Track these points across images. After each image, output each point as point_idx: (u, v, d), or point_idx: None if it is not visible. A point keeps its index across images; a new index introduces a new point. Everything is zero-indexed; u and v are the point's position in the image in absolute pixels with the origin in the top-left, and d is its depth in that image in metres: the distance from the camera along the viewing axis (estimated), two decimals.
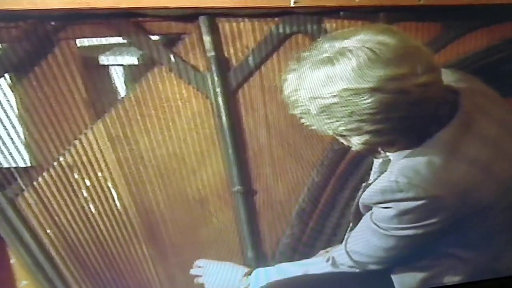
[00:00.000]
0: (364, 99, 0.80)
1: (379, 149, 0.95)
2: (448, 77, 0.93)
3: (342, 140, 0.94)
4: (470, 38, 1.29)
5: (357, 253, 1.01)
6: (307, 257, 1.31)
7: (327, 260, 1.07)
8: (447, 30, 1.26)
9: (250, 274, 1.19)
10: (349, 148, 1.23)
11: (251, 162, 1.26)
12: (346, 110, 0.83)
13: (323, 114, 0.86)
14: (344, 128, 0.86)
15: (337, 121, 0.85)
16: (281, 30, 1.16)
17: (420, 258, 1.02)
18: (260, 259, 1.34)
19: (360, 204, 1.00)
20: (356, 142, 0.88)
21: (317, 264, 1.11)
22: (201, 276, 1.26)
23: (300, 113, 0.90)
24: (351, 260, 1.02)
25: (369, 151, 0.95)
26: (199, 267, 1.27)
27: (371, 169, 1.30)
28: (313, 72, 0.84)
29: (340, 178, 1.32)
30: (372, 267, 1.01)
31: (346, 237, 1.06)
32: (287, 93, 0.90)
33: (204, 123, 1.20)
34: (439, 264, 1.01)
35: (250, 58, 1.17)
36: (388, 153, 0.95)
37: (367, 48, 0.80)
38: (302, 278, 1.11)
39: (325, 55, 0.84)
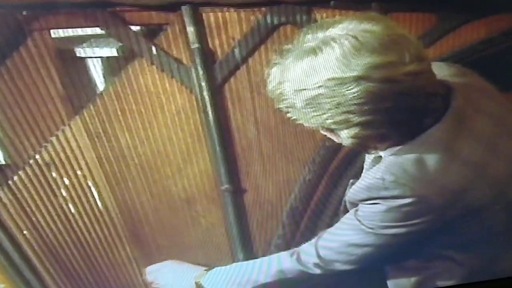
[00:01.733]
0: (350, 89, 0.78)
1: (371, 145, 0.91)
2: (443, 71, 0.92)
3: (331, 136, 0.92)
4: (466, 30, 1.26)
5: (326, 248, 0.99)
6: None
7: (292, 255, 1.06)
8: (442, 21, 1.23)
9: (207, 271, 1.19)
10: (341, 145, 1.22)
11: (239, 160, 1.24)
12: (333, 101, 0.81)
13: (308, 106, 0.84)
14: (331, 121, 0.84)
15: (324, 113, 0.84)
16: (269, 20, 1.12)
17: (404, 259, 1.01)
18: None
19: (346, 202, 0.99)
20: (345, 135, 0.86)
21: (279, 259, 1.09)
22: (154, 281, 1.25)
23: (286, 107, 0.89)
24: (316, 256, 1.00)
25: (360, 146, 0.91)
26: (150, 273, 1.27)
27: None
28: (297, 63, 0.83)
29: (332, 176, 1.30)
30: (337, 265, 0.98)
31: (319, 235, 1.04)
32: (271, 87, 0.89)
33: (189, 119, 1.17)
34: (433, 266, 0.99)
35: (237, 50, 1.14)
36: (379, 151, 0.93)
37: (351, 36, 0.79)
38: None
39: (308, 45, 0.83)
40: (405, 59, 0.79)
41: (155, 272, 1.25)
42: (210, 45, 1.12)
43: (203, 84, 1.14)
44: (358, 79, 0.78)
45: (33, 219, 1.14)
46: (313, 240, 1.03)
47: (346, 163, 1.31)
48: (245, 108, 1.20)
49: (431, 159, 0.84)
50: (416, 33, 1.20)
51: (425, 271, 1.00)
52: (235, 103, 1.19)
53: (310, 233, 1.34)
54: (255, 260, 1.14)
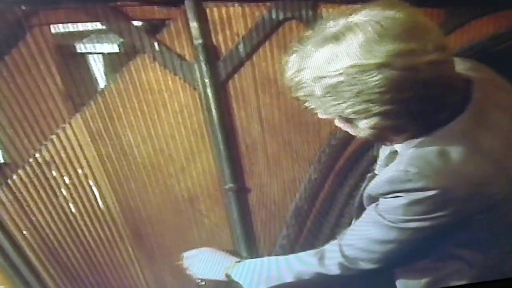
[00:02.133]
0: (372, 76, 0.78)
1: (388, 136, 0.91)
2: (458, 66, 0.90)
3: (347, 127, 0.91)
4: (475, 26, 1.25)
5: (351, 246, 0.99)
6: None
7: (316, 254, 1.06)
8: (451, 17, 1.22)
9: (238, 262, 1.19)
10: (348, 143, 1.23)
11: (243, 158, 1.23)
12: (353, 89, 0.80)
13: (328, 95, 0.83)
14: (351, 110, 0.83)
15: (344, 102, 0.82)
16: (273, 16, 1.11)
17: (420, 259, 1.00)
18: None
19: (365, 196, 0.97)
20: (364, 126, 0.85)
21: (304, 259, 1.08)
22: (189, 267, 1.26)
23: (304, 96, 0.88)
24: (340, 255, 0.99)
25: (377, 137, 0.90)
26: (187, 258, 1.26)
27: (372, 165, 1.26)
28: (317, 50, 0.82)
29: (338, 175, 1.29)
30: (362, 264, 0.97)
31: (342, 234, 1.03)
32: (289, 74, 0.88)
33: (193, 117, 1.16)
34: (444, 266, 0.99)
35: (241, 46, 1.13)
36: (395, 144, 0.92)
37: (375, 21, 0.78)
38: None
39: (329, 31, 0.82)
40: (428, 47, 0.78)
41: (191, 258, 1.26)
42: (214, 41, 1.11)
43: (207, 81, 1.13)
44: (380, 66, 0.77)
45: (33, 219, 1.13)
46: (336, 239, 1.03)
47: (353, 162, 1.29)
48: (250, 105, 1.19)
49: (454, 151, 0.84)
50: None
51: (435, 272, 1.00)
52: (239, 100, 1.18)
53: (315, 233, 1.33)
54: (286, 256, 1.13)
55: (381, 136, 0.89)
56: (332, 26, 0.82)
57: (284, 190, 1.28)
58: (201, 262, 1.23)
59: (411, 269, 1.03)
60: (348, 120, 0.87)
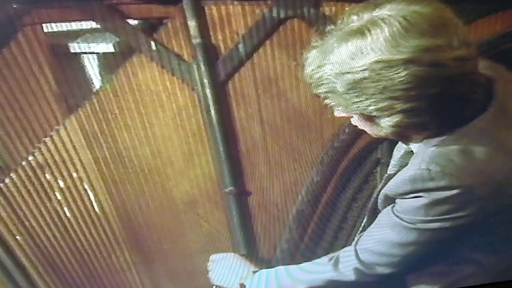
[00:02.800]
0: (398, 72, 0.77)
1: (409, 134, 0.90)
2: None
3: (367, 125, 0.90)
4: (482, 24, 1.23)
5: (367, 251, 0.97)
6: None
7: (330, 259, 1.04)
8: (458, 15, 1.17)
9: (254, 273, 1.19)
10: (351, 145, 1.23)
11: (243, 161, 1.22)
12: (378, 85, 0.79)
13: (351, 91, 0.82)
14: (374, 107, 0.82)
15: (367, 99, 0.82)
16: (274, 14, 1.09)
17: (436, 262, 0.99)
18: (256, 266, 1.27)
19: (380, 198, 0.96)
20: (386, 124, 0.85)
21: (318, 265, 1.07)
22: (210, 271, 1.27)
23: (325, 92, 0.87)
24: (357, 260, 0.98)
25: (398, 135, 0.89)
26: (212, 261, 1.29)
27: (375, 167, 1.27)
28: (341, 45, 0.81)
29: (341, 178, 1.27)
30: (380, 269, 0.96)
31: (358, 236, 1.02)
32: (309, 70, 0.87)
33: (191, 118, 1.15)
34: (459, 270, 0.98)
35: (241, 46, 1.10)
36: (411, 144, 0.92)
37: (401, 16, 0.77)
38: None
39: (354, 26, 0.81)
40: (454, 43, 0.78)
41: (215, 262, 1.27)
42: (213, 40, 1.09)
43: (206, 81, 1.11)
44: (406, 62, 0.76)
45: (26, 223, 1.12)
46: (352, 244, 1.01)
47: (356, 164, 1.28)
48: (250, 106, 1.17)
49: (477, 149, 0.83)
50: None
51: (450, 276, 0.99)
52: (240, 101, 1.16)
53: (318, 237, 1.32)
54: (299, 265, 1.12)
55: (402, 134, 0.88)
56: (356, 21, 0.81)
57: (285, 193, 1.26)
58: (222, 268, 1.24)
59: (425, 274, 1.02)
60: (370, 118, 0.87)
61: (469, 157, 0.83)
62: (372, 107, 0.83)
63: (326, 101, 0.89)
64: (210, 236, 1.27)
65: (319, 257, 1.24)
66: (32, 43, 0.99)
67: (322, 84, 0.86)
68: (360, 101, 0.83)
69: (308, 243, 1.31)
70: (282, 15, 1.09)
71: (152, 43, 1.06)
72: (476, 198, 0.83)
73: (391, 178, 0.92)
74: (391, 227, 0.92)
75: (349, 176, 1.28)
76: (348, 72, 0.81)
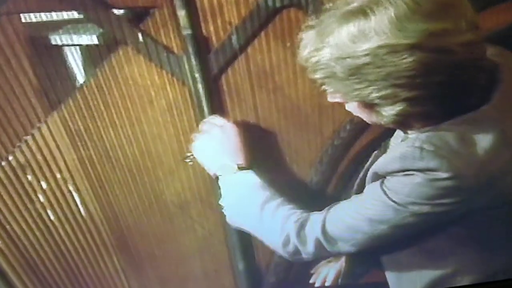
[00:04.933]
0: (403, 58, 0.75)
1: (410, 123, 0.88)
2: None
3: (366, 113, 0.88)
4: (492, 13, 1.16)
5: (336, 221, 0.94)
6: (306, 267, 1.29)
7: (296, 221, 0.97)
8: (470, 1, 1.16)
9: (243, 169, 1.06)
10: (352, 142, 1.19)
11: None
12: (381, 72, 0.77)
13: (352, 77, 0.80)
14: (377, 94, 0.80)
15: (369, 85, 0.80)
16: (270, 3, 1.04)
17: (403, 250, 0.98)
18: (252, 271, 1.29)
19: (369, 176, 0.94)
20: (388, 113, 0.83)
21: (284, 217, 0.99)
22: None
23: (323, 78, 0.84)
24: (321, 230, 0.93)
25: (399, 124, 0.88)
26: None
27: None
28: (341, 26, 0.78)
29: (342, 177, 1.23)
30: (341, 245, 0.93)
31: (331, 205, 0.97)
32: (305, 53, 0.84)
33: (182, 115, 1.12)
34: (440, 266, 0.97)
35: (234, 37, 1.06)
36: (413, 131, 0.90)
37: None
38: None
39: (354, 5, 0.78)
40: (461, 26, 0.76)
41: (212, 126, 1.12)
42: (204, 31, 1.05)
43: (197, 75, 1.08)
44: (412, 47, 0.74)
45: (7, 227, 1.12)
46: (324, 211, 0.97)
47: (357, 163, 1.23)
48: (245, 102, 1.14)
49: (476, 137, 0.82)
50: None
51: (434, 272, 0.98)
52: (233, 96, 1.13)
53: None
54: (276, 200, 1.02)
55: (403, 122, 0.87)
56: None
57: (283, 194, 1.16)
58: (205, 139, 1.10)
59: (405, 267, 1.01)
60: (370, 106, 0.85)
61: (466, 142, 0.81)
62: (374, 95, 0.81)
63: (324, 87, 0.86)
64: (204, 240, 1.26)
65: (318, 261, 1.27)
66: (9, 34, 0.98)
67: (320, 69, 0.83)
68: (361, 88, 0.81)
69: None
70: (277, 3, 1.04)
71: (139, 34, 1.03)
72: (465, 187, 0.81)
73: (379, 156, 0.92)
74: (371, 200, 0.90)
75: (350, 176, 1.23)
76: (349, 57, 0.78)
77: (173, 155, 1.15)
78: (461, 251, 0.94)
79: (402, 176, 0.84)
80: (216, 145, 1.07)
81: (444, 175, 0.80)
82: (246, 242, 1.26)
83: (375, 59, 0.76)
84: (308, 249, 0.95)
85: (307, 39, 0.83)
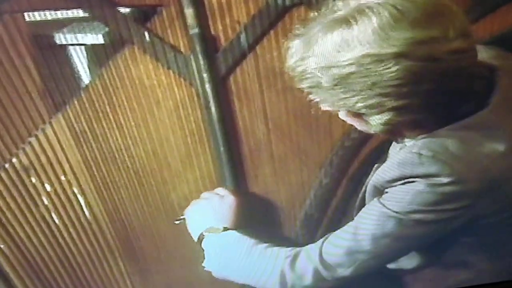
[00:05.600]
0: (388, 67, 0.74)
1: (401, 132, 0.88)
2: (482, 54, 0.88)
3: (355, 121, 0.88)
4: (504, 12, 1.16)
5: (334, 248, 0.92)
6: None
7: (288, 256, 0.97)
8: (479, 1, 1.15)
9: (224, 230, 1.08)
10: (363, 144, 1.18)
11: (246, 162, 1.18)
12: (366, 81, 0.77)
13: (337, 87, 0.80)
14: (363, 104, 0.80)
15: (355, 95, 0.79)
16: (279, 1, 1.04)
17: (422, 266, 0.97)
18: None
19: (369, 191, 0.93)
20: (375, 122, 0.82)
21: (274, 257, 0.98)
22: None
23: (309, 87, 0.84)
24: (318, 259, 0.93)
25: (389, 133, 0.88)
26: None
27: None
28: (325, 35, 0.78)
29: (352, 180, 1.23)
30: (341, 271, 0.91)
31: (328, 234, 0.97)
32: (292, 62, 0.84)
33: (189, 116, 1.11)
34: (453, 274, 0.97)
35: (243, 36, 1.06)
36: (407, 140, 0.89)
37: (391, 5, 0.74)
38: None
39: (339, 14, 0.78)
40: (449, 34, 0.75)
41: (204, 198, 1.15)
42: (212, 30, 1.04)
43: (205, 75, 1.07)
44: (397, 56, 0.73)
45: (11, 231, 1.10)
46: (319, 241, 0.97)
47: (368, 165, 1.20)
48: (253, 103, 1.13)
49: (476, 141, 0.81)
50: None
51: (444, 281, 0.97)
52: (242, 97, 1.12)
53: None
54: (262, 244, 1.02)
55: (393, 132, 0.86)
56: (342, 8, 0.78)
57: (292, 197, 1.23)
58: (203, 206, 1.13)
59: (419, 279, 1.01)
60: (358, 115, 0.84)
61: (466, 146, 0.81)
62: (360, 104, 0.80)
63: (310, 96, 0.86)
64: None
65: None
66: (12, 33, 0.96)
67: (305, 78, 0.83)
68: (347, 97, 0.81)
69: None
70: (287, 1, 1.04)
71: (145, 34, 1.01)
72: (468, 191, 0.81)
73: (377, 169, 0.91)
74: (369, 216, 0.89)
75: (360, 178, 1.21)
76: (334, 66, 0.78)
77: (179, 157, 1.14)
78: (473, 260, 0.93)
79: (402, 185, 0.84)
80: (209, 210, 1.09)
81: (446, 179, 0.79)
82: None
83: (360, 68, 0.76)
84: (306, 282, 0.94)
85: (294, 48, 0.83)
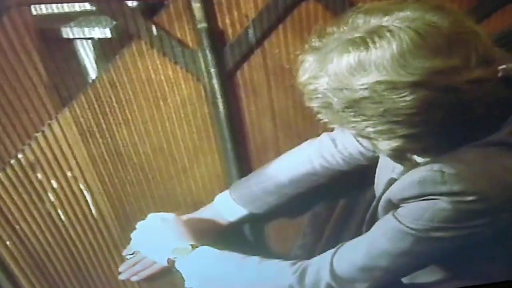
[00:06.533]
0: (403, 96, 0.71)
1: (409, 157, 0.85)
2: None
3: (365, 141, 0.90)
4: (510, 11, 1.17)
5: (348, 264, 0.88)
6: None
7: (295, 272, 0.92)
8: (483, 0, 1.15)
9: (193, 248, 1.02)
10: None
11: (253, 159, 1.18)
12: (378, 107, 0.73)
13: (348, 110, 0.76)
14: (372, 129, 0.77)
15: (365, 120, 0.76)
16: None
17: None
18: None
19: (382, 204, 0.90)
20: (384, 147, 0.79)
21: (278, 268, 0.94)
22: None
23: (318, 107, 0.80)
24: (330, 274, 0.87)
25: (397, 158, 0.84)
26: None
27: None
28: (341, 55, 0.73)
29: (361, 178, 1.18)
30: (358, 285, 0.87)
31: (337, 247, 0.92)
32: (304, 79, 0.79)
33: (196, 112, 1.11)
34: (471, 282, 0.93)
35: (250, 31, 1.05)
36: (418, 158, 0.86)
37: (413, 29, 0.70)
38: None
39: (357, 34, 0.73)
40: (471, 61, 0.71)
41: (143, 225, 1.09)
42: (220, 25, 1.04)
43: (212, 70, 1.06)
44: (414, 85, 0.70)
45: (17, 227, 1.07)
46: (326, 256, 0.91)
47: (377, 162, 1.18)
48: (261, 99, 1.13)
49: (499, 157, 0.78)
50: None
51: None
52: (249, 93, 1.12)
53: (334, 243, 1.23)
54: (252, 257, 0.98)
55: (401, 157, 0.83)
56: (362, 26, 0.74)
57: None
58: (150, 231, 1.07)
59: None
60: (367, 138, 0.82)
61: (488, 163, 0.78)
62: (369, 129, 0.77)
63: (319, 115, 0.82)
64: None
65: None
66: (18, 27, 0.95)
67: (316, 97, 0.79)
68: (357, 121, 0.77)
69: (324, 248, 1.21)
70: None
71: (153, 28, 1.00)
72: (491, 208, 0.78)
73: (393, 182, 0.87)
74: (385, 232, 0.85)
75: (369, 175, 1.16)
76: (346, 89, 0.74)
77: (186, 153, 1.14)
78: (488, 267, 0.92)
79: (420, 202, 0.81)
80: (164, 233, 1.04)
81: (470, 198, 0.76)
82: (260, 242, 1.24)
83: (373, 94, 0.72)
84: None
85: (308, 63, 0.79)
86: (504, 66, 0.79)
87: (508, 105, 0.80)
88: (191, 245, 1.00)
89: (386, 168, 0.97)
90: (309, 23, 1.06)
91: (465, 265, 0.90)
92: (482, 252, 0.86)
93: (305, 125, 1.16)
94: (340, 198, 1.22)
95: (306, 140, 1.13)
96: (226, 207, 1.10)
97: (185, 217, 1.10)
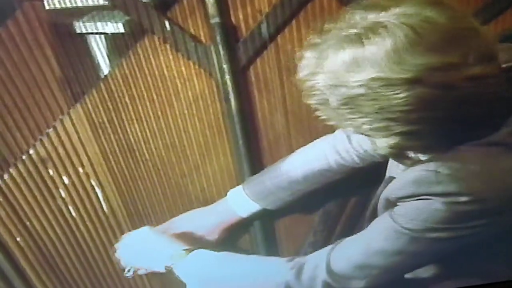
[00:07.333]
0: (399, 93, 0.71)
1: (408, 155, 0.85)
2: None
3: (363, 138, 0.88)
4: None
5: (344, 260, 0.89)
6: None
7: (291, 268, 0.93)
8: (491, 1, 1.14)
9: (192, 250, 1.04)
10: None
11: (265, 155, 1.17)
12: (374, 104, 0.73)
13: (344, 107, 0.76)
14: (369, 126, 0.77)
15: (362, 117, 0.76)
16: None
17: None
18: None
19: (381, 202, 0.90)
20: (381, 145, 0.80)
21: (275, 265, 0.96)
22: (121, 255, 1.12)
23: (316, 104, 0.81)
24: (326, 271, 0.88)
25: (395, 156, 0.85)
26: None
27: None
28: (337, 52, 0.74)
29: (372, 175, 1.16)
30: (354, 283, 0.88)
31: (334, 244, 0.93)
32: (302, 75, 0.80)
33: (208, 108, 1.11)
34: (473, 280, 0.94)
35: (264, 26, 1.05)
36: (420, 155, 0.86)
37: (409, 26, 0.69)
38: None
39: (353, 30, 0.73)
40: (469, 58, 0.70)
41: (126, 241, 1.12)
42: (233, 20, 1.04)
43: (225, 66, 1.06)
44: (409, 82, 0.70)
45: (27, 224, 1.08)
46: (323, 252, 0.92)
47: (388, 159, 1.18)
48: (273, 95, 1.12)
49: (496, 158, 0.77)
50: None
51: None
52: (262, 89, 1.11)
53: None
54: (249, 255, 1.01)
55: (400, 155, 0.83)
56: (359, 22, 0.73)
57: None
58: (137, 245, 1.09)
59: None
60: (365, 135, 0.82)
61: (485, 163, 0.77)
62: (366, 126, 0.77)
63: (317, 112, 0.83)
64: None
65: None
66: (31, 21, 0.96)
67: (313, 94, 0.80)
68: (354, 118, 0.78)
69: None
70: None
71: (166, 23, 1.01)
72: (488, 210, 0.78)
73: (391, 180, 0.87)
74: (381, 231, 0.86)
75: (380, 172, 1.14)
76: (342, 86, 0.74)
77: (198, 149, 1.13)
78: (491, 266, 0.92)
79: (416, 201, 0.81)
80: (148, 245, 1.05)
81: (465, 198, 0.76)
82: (271, 241, 1.23)
83: (369, 91, 0.72)
84: None
85: (306, 60, 0.79)
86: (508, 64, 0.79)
87: (510, 105, 0.79)
88: (184, 250, 1.01)
89: (394, 166, 0.97)
90: (323, 17, 1.05)
91: (465, 265, 0.90)
92: (482, 252, 0.86)
93: (317, 122, 1.12)
94: (352, 195, 1.22)
95: (318, 136, 1.13)
96: (239, 202, 1.10)
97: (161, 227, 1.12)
